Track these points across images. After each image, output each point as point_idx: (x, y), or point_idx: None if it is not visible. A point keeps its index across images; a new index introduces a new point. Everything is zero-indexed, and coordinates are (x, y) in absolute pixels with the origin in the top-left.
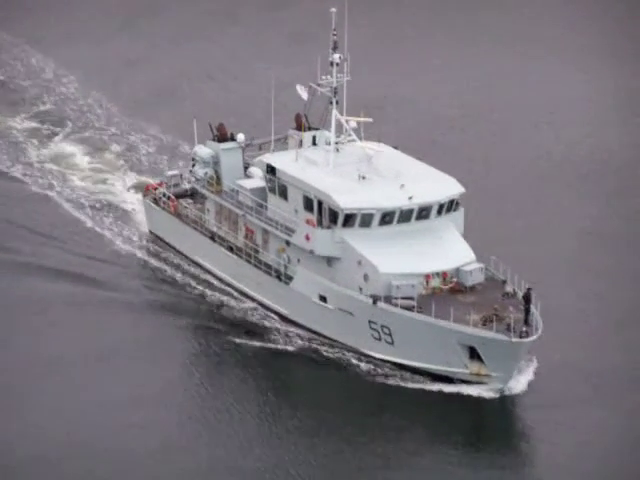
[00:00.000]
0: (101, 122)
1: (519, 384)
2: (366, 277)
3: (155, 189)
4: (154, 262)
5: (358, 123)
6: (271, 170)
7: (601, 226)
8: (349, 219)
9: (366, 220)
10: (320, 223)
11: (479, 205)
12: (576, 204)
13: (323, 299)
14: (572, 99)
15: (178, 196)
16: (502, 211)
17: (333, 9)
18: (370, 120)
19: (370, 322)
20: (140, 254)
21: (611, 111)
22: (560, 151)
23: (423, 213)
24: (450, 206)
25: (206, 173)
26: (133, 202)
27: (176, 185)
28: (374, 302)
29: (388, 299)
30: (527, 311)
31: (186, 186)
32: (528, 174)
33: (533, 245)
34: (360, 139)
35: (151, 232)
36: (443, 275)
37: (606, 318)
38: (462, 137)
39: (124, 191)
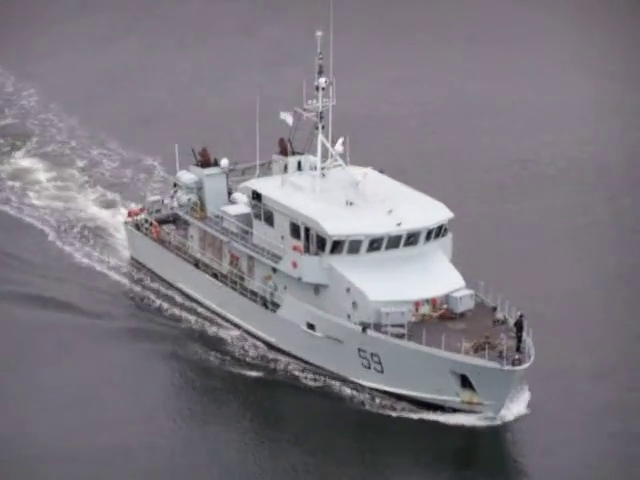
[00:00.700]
0: (67, 140)
1: (512, 412)
2: (355, 304)
3: (137, 215)
4: (136, 289)
5: (344, 146)
6: (257, 196)
7: (587, 241)
8: (337, 246)
9: (354, 247)
10: (307, 250)
11: (463, 228)
12: (559, 218)
13: (311, 327)
14: (566, 107)
15: (160, 222)
16: (487, 233)
17: (319, 33)
18: (341, 150)
19: (360, 350)
20: (122, 280)
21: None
22: (540, 164)
23: (411, 239)
24: (439, 232)
25: (190, 199)
26: (110, 222)
27: (158, 211)
28: (364, 330)
29: (377, 327)
30: (519, 338)
31: (168, 212)
32: (510, 191)
33: (521, 267)
34: (346, 164)
35: (132, 258)
36: (433, 302)
37: (598, 341)
38: (446, 161)
39: (99, 211)
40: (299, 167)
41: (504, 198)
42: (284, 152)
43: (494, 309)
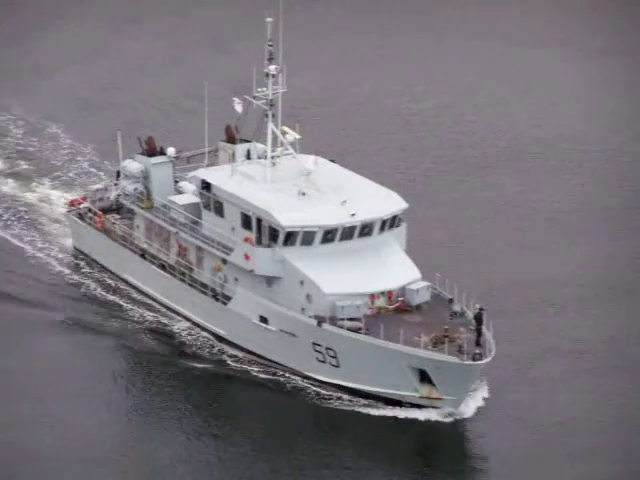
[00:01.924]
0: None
1: (471, 407)
2: (309, 297)
3: (79, 204)
4: (79, 279)
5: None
6: (206, 186)
7: (546, 229)
8: (290, 237)
9: (308, 238)
10: (259, 241)
11: (418, 217)
12: (514, 206)
13: (264, 320)
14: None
15: (104, 211)
16: (441, 223)
17: (269, 19)
18: (298, 137)
19: (314, 344)
20: (63, 270)
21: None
22: (498, 147)
23: (366, 230)
24: (393, 222)
25: (136, 189)
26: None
27: (101, 199)
28: (319, 323)
29: (332, 320)
30: (479, 332)
31: (111, 201)
32: (463, 179)
33: (477, 257)
34: (296, 152)
35: (76, 248)
36: (388, 294)
37: (558, 334)
38: (397, 148)
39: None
40: (248, 155)
41: (457, 187)
42: (231, 140)
43: (451, 301)
